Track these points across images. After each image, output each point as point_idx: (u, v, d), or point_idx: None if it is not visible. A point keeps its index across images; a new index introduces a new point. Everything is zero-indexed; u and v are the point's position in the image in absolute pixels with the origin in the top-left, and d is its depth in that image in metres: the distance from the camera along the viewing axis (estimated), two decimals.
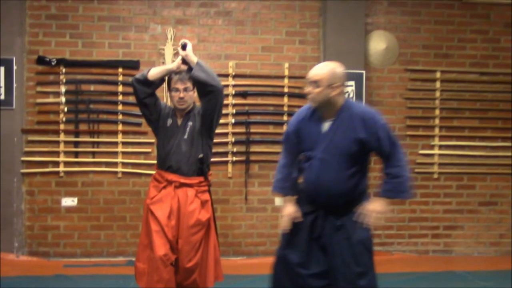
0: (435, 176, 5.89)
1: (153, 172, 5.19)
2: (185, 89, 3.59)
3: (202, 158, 3.60)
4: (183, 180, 3.56)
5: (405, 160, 3.08)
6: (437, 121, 5.88)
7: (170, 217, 3.52)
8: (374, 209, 3.05)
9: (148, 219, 3.59)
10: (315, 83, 2.96)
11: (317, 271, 3.10)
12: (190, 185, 3.57)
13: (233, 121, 5.64)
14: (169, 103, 3.91)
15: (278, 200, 5.74)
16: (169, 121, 3.65)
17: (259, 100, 5.71)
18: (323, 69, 3.00)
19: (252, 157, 5.68)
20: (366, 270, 3.06)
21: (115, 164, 5.55)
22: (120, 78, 5.53)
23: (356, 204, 3.08)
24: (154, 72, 3.61)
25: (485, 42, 5.93)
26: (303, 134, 3.13)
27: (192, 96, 3.63)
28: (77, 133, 5.52)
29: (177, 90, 3.60)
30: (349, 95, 5.59)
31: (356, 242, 3.06)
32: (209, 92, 3.52)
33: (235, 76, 5.66)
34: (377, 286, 3.13)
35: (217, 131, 5.61)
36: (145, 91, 3.61)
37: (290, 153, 3.22)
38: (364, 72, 5.65)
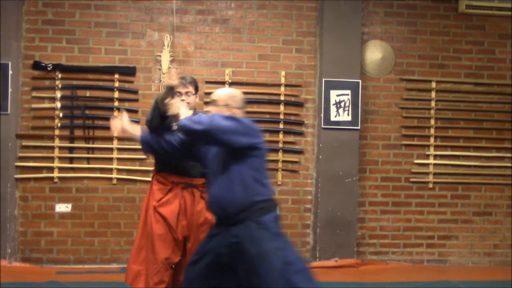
0: (430, 185, 5.90)
1: (148, 178, 5.19)
2: (187, 93, 3.63)
3: None
4: (189, 181, 3.62)
5: (211, 123, 2.98)
6: (432, 131, 5.90)
7: (180, 218, 3.58)
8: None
9: (151, 222, 3.61)
10: (214, 102, 3.24)
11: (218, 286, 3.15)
12: (195, 186, 3.64)
13: None
14: None
15: None
16: (174, 126, 3.67)
17: (255, 108, 5.71)
18: (223, 91, 3.31)
19: None
20: (269, 284, 2.98)
21: (110, 170, 5.53)
22: (116, 84, 5.52)
23: (254, 215, 3.05)
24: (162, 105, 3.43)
25: (480, 53, 5.98)
26: (205, 151, 3.29)
27: (194, 100, 3.66)
28: (72, 139, 5.50)
29: (180, 94, 3.65)
30: (345, 103, 5.62)
31: (255, 256, 3.00)
32: None
33: (232, 84, 5.66)
34: None
35: None
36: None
37: (183, 144, 3.38)
38: (360, 81, 5.67)
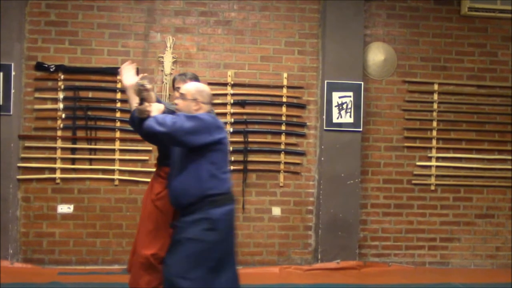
0: (432, 187, 5.90)
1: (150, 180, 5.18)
2: None
3: None
4: None
5: (172, 125, 3.12)
6: (434, 133, 5.90)
7: (176, 212, 3.61)
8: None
9: (144, 216, 3.70)
10: (182, 96, 3.34)
11: None
12: None
13: (231, 130, 5.64)
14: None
15: (275, 210, 5.73)
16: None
17: (258, 110, 5.72)
18: (191, 86, 3.39)
19: (250, 166, 5.67)
20: (180, 272, 3.12)
21: (112, 172, 5.53)
22: (119, 85, 5.51)
23: (205, 207, 3.19)
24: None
25: (482, 55, 5.98)
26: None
27: None
28: (74, 140, 5.50)
29: (180, 88, 3.72)
30: (347, 105, 5.62)
31: (182, 240, 3.18)
32: None
33: (234, 85, 5.67)
34: None
35: None
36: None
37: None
38: (362, 83, 5.67)
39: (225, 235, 3.22)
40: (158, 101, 3.44)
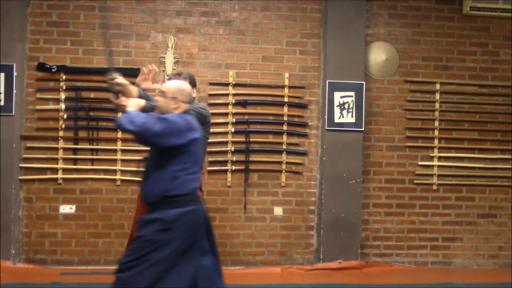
0: (434, 187, 5.89)
1: None
2: None
3: None
4: None
5: (143, 124, 3.12)
6: (436, 133, 5.89)
7: None
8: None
9: (134, 217, 3.76)
10: (162, 93, 3.33)
11: None
12: None
13: (232, 130, 5.64)
14: None
15: (276, 210, 5.73)
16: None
17: (259, 110, 5.72)
18: (172, 84, 3.39)
19: (252, 166, 5.67)
20: (128, 265, 3.18)
21: (114, 172, 5.54)
22: None
23: (164, 207, 3.21)
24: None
25: (484, 54, 5.97)
26: None
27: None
28: (76, 140, 5.51)
29: None
30: (349, 105, 5.62)
31: (136, 237, 3.27)
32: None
33: (236, 85, 5.67)
34: (134, 284, 3.16)
35: (217, 139, 5.65)
36: None
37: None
38: (364, 83, 5.66)
39: (181, 236, 3.20)
40: (142, 96, 3.42)
